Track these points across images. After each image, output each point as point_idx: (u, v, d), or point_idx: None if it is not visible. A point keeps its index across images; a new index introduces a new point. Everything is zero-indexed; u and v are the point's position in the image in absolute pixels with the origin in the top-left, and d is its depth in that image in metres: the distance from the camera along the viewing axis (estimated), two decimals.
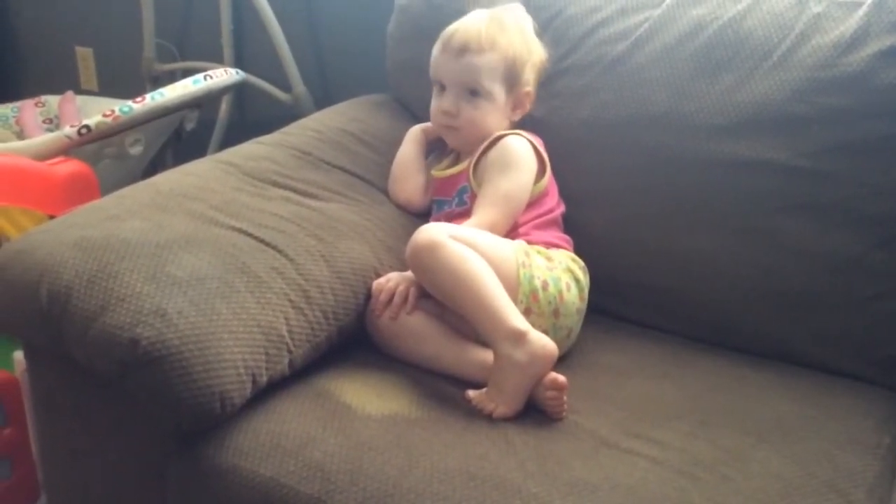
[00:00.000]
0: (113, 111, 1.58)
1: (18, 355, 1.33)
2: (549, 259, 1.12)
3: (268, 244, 1.06)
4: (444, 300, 1.06)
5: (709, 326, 1.19)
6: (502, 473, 0.89)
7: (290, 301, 1.02)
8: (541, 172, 1.19)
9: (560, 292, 1.10)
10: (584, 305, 1.15)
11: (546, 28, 1.29)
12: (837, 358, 1.12)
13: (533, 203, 1.18)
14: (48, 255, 0.97)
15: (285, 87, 1.89)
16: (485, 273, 1.02)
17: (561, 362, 1.03)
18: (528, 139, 1.19)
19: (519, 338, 0.98)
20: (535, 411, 0.99)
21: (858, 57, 1.10)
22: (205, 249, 1.01)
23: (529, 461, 0.90)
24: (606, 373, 1.10)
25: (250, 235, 1.06)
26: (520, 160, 1.17)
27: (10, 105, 1.90)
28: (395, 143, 1.36)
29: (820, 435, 0.98)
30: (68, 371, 1.00)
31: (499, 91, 1.19)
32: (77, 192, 1.37)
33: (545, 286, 1.09)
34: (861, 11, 1.13)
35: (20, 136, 1.84)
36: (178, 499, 0.97)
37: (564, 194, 1.24)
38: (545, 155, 1.21)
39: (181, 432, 0.95)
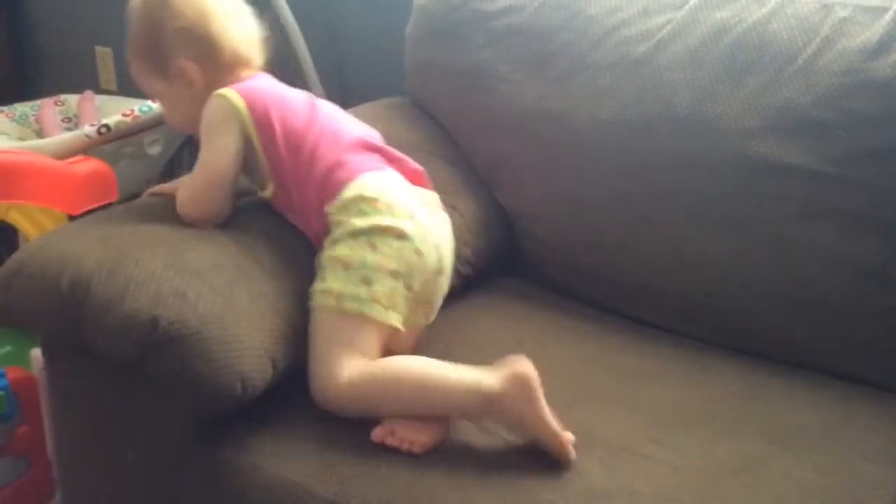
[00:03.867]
0: (132, 111, 1.59)
1: (36, 353, 1.33)
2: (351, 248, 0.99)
3: (282, 239, 1.06)
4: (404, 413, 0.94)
5: (730, 332, 1.17)
6: (517, 480, 0.88)
7: (308, 291, 1.00)
8: (263, 117, 1.04)
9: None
10: (408, 263, 0.99)
11: (564, 27, 1.29)
12: (861, 367, 1.10)
13: (294, 149, 1.04)
14: (70, 247, 0.98)
15: (303, 88, 1.89)
16: (411, 369, 0.94)
17: (580, 365, 1.03)
18: (225, 94, 1.05)
19: (492, 401, 0.90)
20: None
21: (885, 62, 1.08)
22: (222, 241, 1.03)
23: (545, 467, 0.89)
24: (627, 376, 1.08)
25: (263, 232, 1.06)
26: (207, 126, 1.05)
27: (30, 103, 1.91)
28: (414, 145, 1.35)
29: (842, 444, 0.96)
30: (87, 366, 1.01)
31: (158, 83, 1.09)
32: (96, 191, 1.37)
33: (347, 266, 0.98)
34: (888, 17, 1.11)
35: (40, 134, 1.85)
36: (195, 498, 0.96)
37: (584, 195, 1.23)
38: (266, 96, 1.07)
39: (202, 425, 0.95)
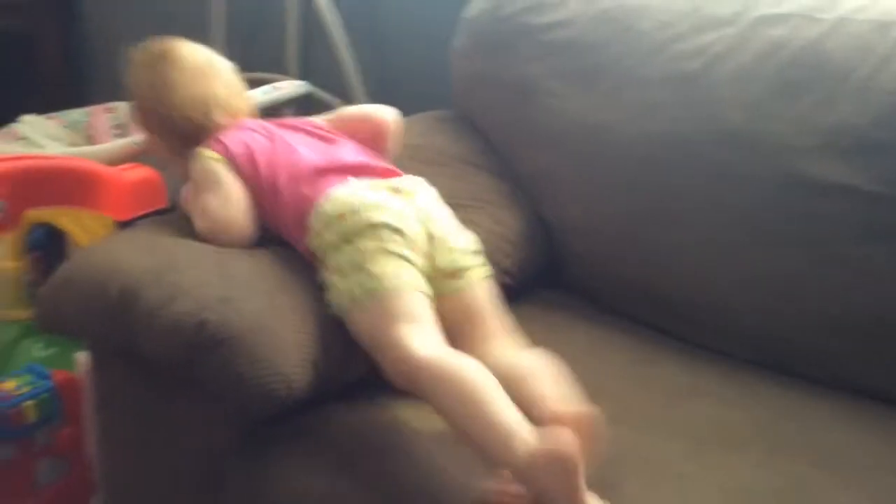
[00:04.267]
0: None
1: (80, 356, 1.35)
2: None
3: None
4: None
5: (774, 351, 1.15)
6: None
7: None
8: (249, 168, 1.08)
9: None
10: (394, 242, 0.97)
11: (615, 41, 1.28)
12: None
13: (264, 193, 1.07)
14: (119, 256, 1.00)
15: (347, 99, 1.90)
16: (471, 380, 0.86)
17: (619, 379, 1.01)
18: (201, 152, 1.11)
19: (520, 466, 0.81)
20: None
21: None
22: (264, 257, 1.05)
23: (592, 491, 0.87)
24: (666, 393, 1.07)
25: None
26: (198, 183, 1.11)
27: (82, 110, 1.94)
28: (459, 159, 1.35)
29: (891, 470, 0.94)
30: (134, 370, 1.02)
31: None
32: (145, 198, 1.39)
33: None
34: None
35: (90, 140, 1.88)
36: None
37: (630, 210, 1.23)
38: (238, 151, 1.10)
39: (244, 431, 0.96)
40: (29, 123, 1.83)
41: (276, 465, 0.92)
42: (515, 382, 0.89)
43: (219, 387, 0.92)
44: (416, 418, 0.97)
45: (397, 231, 0.98)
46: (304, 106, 2.02)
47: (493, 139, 1.41)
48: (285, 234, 1.07)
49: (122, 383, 1.07)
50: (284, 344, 0.93)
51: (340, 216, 0.99)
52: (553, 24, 1.34)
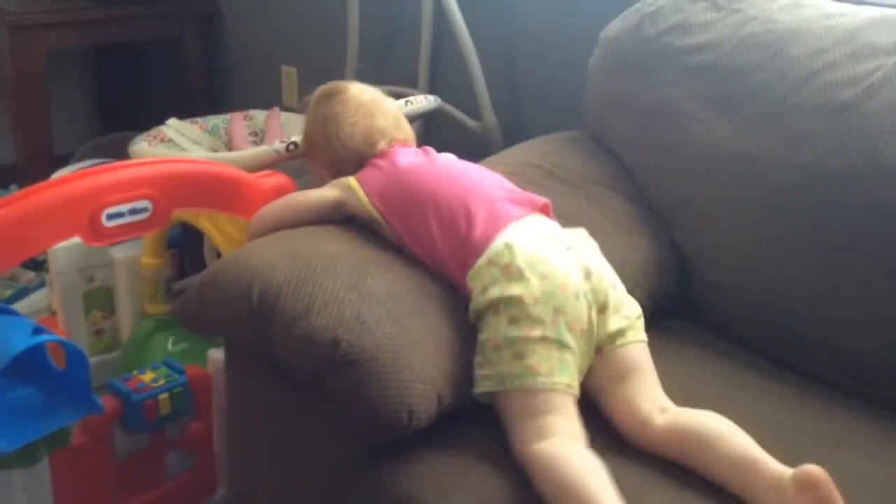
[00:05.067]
0: None
1: (212, 353, 1.40)
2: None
3: None
4: None
5: None
6: None
7: None
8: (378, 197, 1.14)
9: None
10: (554, 324, 0.96)
11: (763, 67, 1.23)
12: None
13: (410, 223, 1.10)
14: (260, 262, 1.03)
15: (475, 114, 1.91)
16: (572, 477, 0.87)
17: (760, 424, 0.97)
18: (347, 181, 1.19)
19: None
20: None
21: None
22: (400, 271, 1.06)
23: None
24: (807, 441, 1.00)
25: None
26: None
27: (222, 117, 2.02)
28: (592, 181, 1.33)
29: None
30: (266, 374, 1.05)
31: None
32: None
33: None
34: None
35: (228, 146, 1.96)
36: None
37: (772, 243, 1.18)
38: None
39: (367, 447, 0.96)
40: (174, 127, 1.92)
41: (403, 485, 0.92)
42: (707, 444, 0.92)
43: (344, 404, 0.94)
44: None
45: (558, 311, 0.96)
46: (432, 120, 2.04)
47: (626, 162, 1.38)
48: (433, 262, 1.07)
49: (254, 384, 1.10)
50: (412, 373, 0.93)
51: (506, 267, 0.99)
52: (697, 46, 1.30)
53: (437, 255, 1.07)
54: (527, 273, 0.97)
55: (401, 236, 1.10)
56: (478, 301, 0.99)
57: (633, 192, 1.34)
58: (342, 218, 1.17)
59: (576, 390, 0.96)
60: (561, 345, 0.96)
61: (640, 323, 1.05)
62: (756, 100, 1.22)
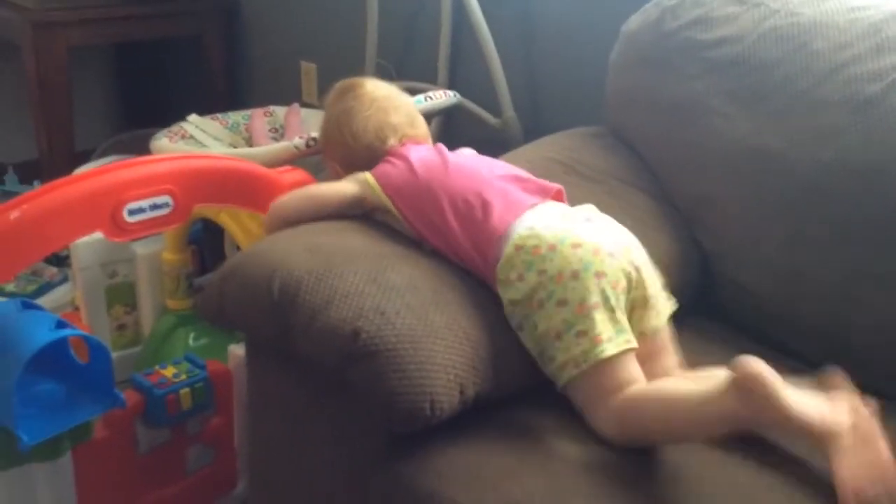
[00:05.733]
0: None
1: (233, 349, 1.40)
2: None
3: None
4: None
5: None
6: None
7: (501, 324, 1.01)
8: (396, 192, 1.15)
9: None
10: (600, 289, 0.98)
11: (786, 60, 1.22)
12: None
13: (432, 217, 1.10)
14: (281, 255, 1.03)
15: (495, 111, 1.90)
16: (661, 396, 0.95)
17: None
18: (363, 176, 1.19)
19: (728, 419, 0.88)
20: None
21: None
22: (419, 264, 1.06)
23: None
24: None
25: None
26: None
27: (242, 113, 2.03)
28: (613, 176, 1.32)
29: None
30: (287, 368, 1.05)
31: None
32: None
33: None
34: None
35: (248, 142, 1.97)
36: None
37: (796, 240, 1.16)
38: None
39: (387, 441, 0.96)
40: (195, 123, 1.93)
41: (420, 479, 0.92)
42: None
43: (366, 397, 0.94)
44: (563, 442, 0.95)
45: (600, 274, 0.98)
46: (451, 117, 2.04)
47: (647, 157, 1.38)
48: (455, 253, 1.08)
49: (275, 379, 1.11)
50: (434, 363, 0.93)
51: (535, 248, 1.00)
52: (719, 40, 1.29)
53: (458, 246, 1.07)
54: (559, 247, 0.99)
55: (418, 230, 1.11)
56: (517, 289, 1.00)
57: (654, 189, 1.33)
58: (360, 213, 1.17)
59: (635, 343, 0.98)
60: (610, 307, 0.97)
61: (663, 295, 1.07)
62: (779, 94, 1.21)
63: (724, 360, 1.12)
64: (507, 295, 1.01)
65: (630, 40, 1.42)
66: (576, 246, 0.99)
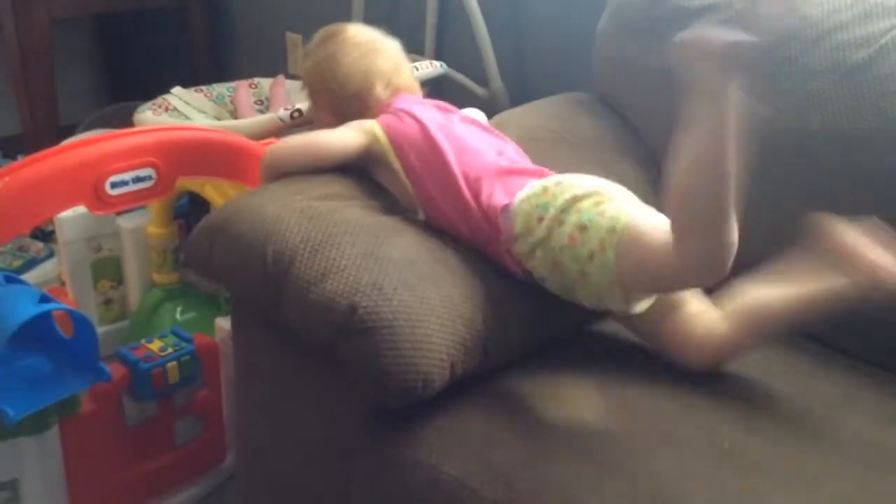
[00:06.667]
0: None
1: (220, 321, 1.40)
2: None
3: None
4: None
5: None
6: (707, 499, 0.83)
7: (490, 302, 1.00)
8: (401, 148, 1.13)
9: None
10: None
11: None
12: None
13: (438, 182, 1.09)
14: (275, 218, 1.01)
15: (482, 81, 1.89)
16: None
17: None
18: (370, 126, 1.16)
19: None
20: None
21: None
22: (414, 238, 1.05)
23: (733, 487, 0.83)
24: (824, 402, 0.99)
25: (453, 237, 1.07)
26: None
27: (227, 85, 2.01)
28: (600, 143, 1.32)
29: None
30: (275, 339, 1.04)
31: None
32: None
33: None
34: None
35: (234, 114, 1.95)
36: (363, 485, 0.98)
37: (777, 206, 1.16)
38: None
39: (373, 413, 0.96)
40: (179, 95, 1.91)
41: (407, 449, 0.92)
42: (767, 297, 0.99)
43: (358, 372, 0.93)
44: (547, 408, 0.95)
45: (602, 194, 0.99)
46: (438, 87, 2.02)
47: (635, 124, 1.37)
48: (462, 226, 1.07)
49: (261, 350, 1.10)
50: (428, 341, 0.93)
51: (543, 192, 1.01)
52: (705, 7, 1.28)
53: (468, 212, 1.05)
54: (564, 182, 1.01)
55: (422, 190, 1.09)
56: (541, 228, 0.99)
57: (642, 156, 1.33)
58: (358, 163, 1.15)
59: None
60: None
61: None
62: (766, 61, 1.20)
63: None
64: (531, 243, 1.00)
65: (617, 8, 1.41)
66: (574, 185, 1.01)
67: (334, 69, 1.22)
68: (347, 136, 1.15)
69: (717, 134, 0.86)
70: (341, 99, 1.22)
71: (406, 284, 0.95)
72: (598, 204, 0.98)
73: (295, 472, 1.10)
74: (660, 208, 1.24)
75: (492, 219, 1.04)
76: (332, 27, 1.28)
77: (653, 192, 1.26)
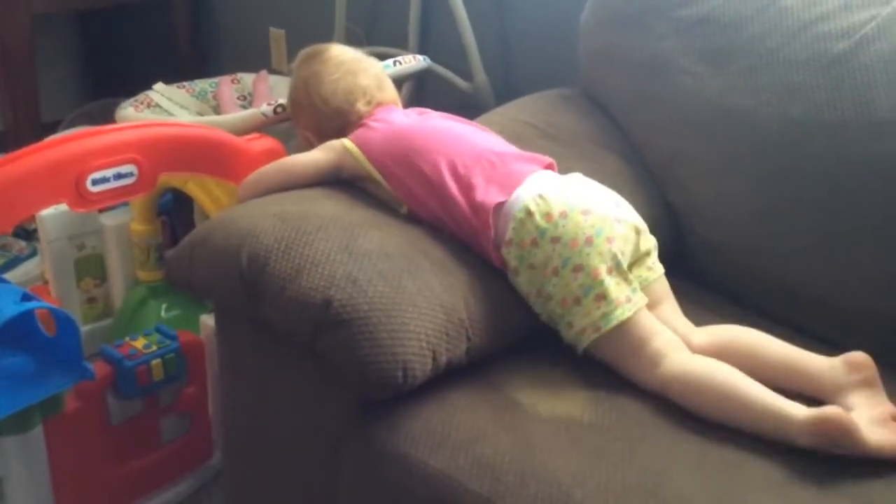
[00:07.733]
0: None
1: (205, 319, 1.39)
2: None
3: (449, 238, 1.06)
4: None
5: None
6: (686, 492, 0.83)
7: (472, 289, 1.01)
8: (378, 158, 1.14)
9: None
10: (611, 254, 1.01)
11: (755, 18, 1.21)
12: None
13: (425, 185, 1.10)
14: (249, 224, 1.02)
15: (466, 75, 1.88)
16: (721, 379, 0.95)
17: None
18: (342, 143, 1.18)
19: (794, 435, 0.89)
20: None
21: None
22: (392, 230, 1.05)
23: (717, 478, 0.84)
24: None
25: (432, 227, 1.07)
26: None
27: (209, 80, 2.00)
28: (585, 138, 1.32)
29: None
30: (258, 337, 1.04)
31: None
32: None
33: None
34: None
35: (216, 110, 1.94)
36: (351, 480, 0.98)
37: (767, 199, 1.17)
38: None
39: (360, 407, 0.96)
40: (161, 91, 1.90)
41: (392, 443, 0.92)
42: (751, 349, 1.01)
43: (337, 365, 0.93)
44: (533, 401, 0.96)
45: (610, 239, 1.01)
46: (422, 81, 2.02)
47: (619, 118, 1.37)
48: (445, 218, 1.08)
49: (246, 348, 1.10)
50: (406, 330, 0.93)
51: (546, 216, 1.01)
52: None
53: (455, 208, 1.06)
54: (570, 214, 1.01)
55: (407, 193, 1.10)
56: (532, 254, 1.01)
57: (626, 151, 1.33)
58: (335, 181, 1.16)
59: (646, 299, 1.02)
60: (622, 270, 1.01)
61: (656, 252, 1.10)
62: (748, 53, 1.21)
63: (701, 321, 1.14)
64: (521, 259, 1.02)
65: (600, 1, 1.40)
66: (585, 213, 1.01)
67: (318, 87, 1.26)
68: (317, 154, 1.18)
69: None
70: (324, 115, 1.25)
71: (381, 276, 0.96)
72: (598, 271, 0.99)
73: (283, 468, 1.10)
74: (645, 201, 1.26)
75: (482, 216, 1.04)
76: (315, 47, 1.32)
77: (636, 188, 1.27)
